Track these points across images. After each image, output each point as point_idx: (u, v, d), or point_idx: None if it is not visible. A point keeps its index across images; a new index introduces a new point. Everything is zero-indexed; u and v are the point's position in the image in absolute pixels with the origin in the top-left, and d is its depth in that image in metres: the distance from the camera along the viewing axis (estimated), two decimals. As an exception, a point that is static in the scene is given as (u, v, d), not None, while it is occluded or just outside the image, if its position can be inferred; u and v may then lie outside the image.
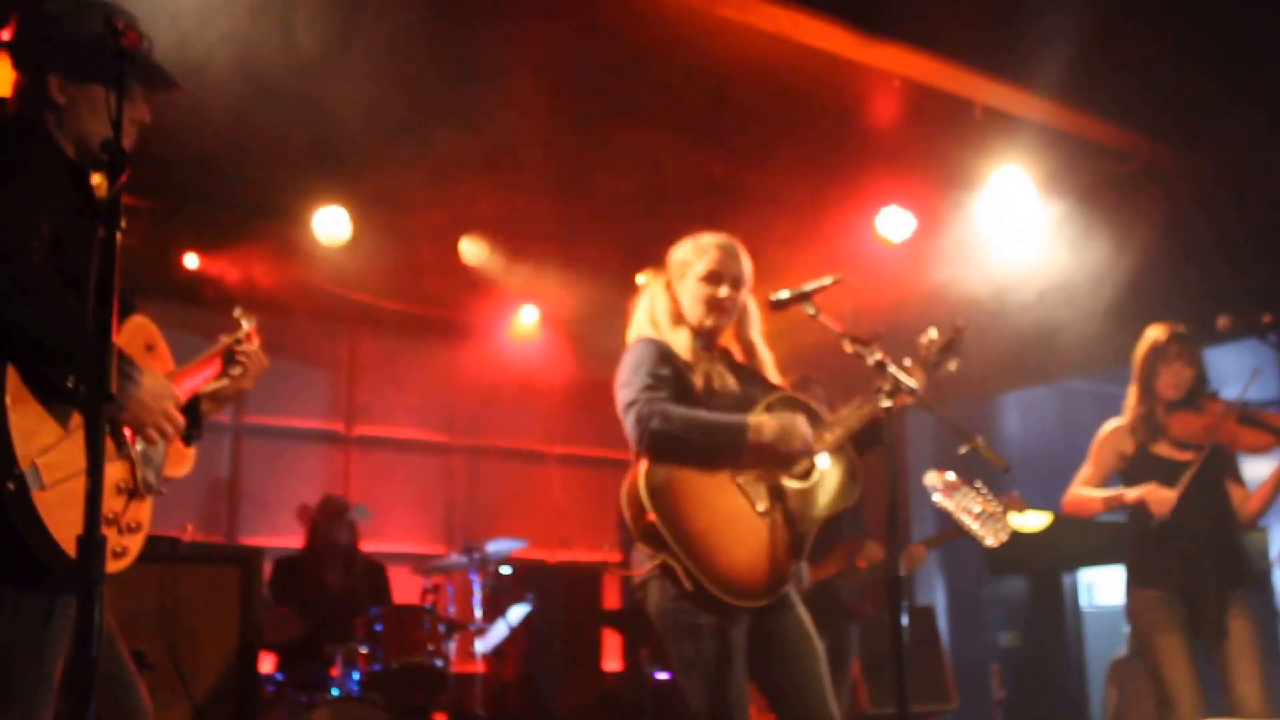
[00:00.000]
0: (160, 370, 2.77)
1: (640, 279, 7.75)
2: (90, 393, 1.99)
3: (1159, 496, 4.71)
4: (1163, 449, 4.84)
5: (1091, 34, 5.00)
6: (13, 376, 2.32)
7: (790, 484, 3.57)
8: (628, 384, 3.51)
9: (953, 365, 3.76)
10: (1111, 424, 5.00)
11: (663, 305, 3.72)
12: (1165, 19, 5.03)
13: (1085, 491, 4.93)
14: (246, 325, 3.21)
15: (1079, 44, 5.06)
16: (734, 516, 3.45)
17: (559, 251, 7.39)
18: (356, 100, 5.61)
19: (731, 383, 3.67)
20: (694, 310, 3.66)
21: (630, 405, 3.45)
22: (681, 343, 3.63)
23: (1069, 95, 5.61)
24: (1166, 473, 4.75)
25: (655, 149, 6.02)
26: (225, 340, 3.11)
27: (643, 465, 3.41)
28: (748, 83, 5.71)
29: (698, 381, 3.57)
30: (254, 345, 3.18)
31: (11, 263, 2.33)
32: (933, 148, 6.25)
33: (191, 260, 7.26)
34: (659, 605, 3.48)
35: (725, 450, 3.46)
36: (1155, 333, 4.92)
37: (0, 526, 2.28)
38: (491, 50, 5.33)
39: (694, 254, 3.71)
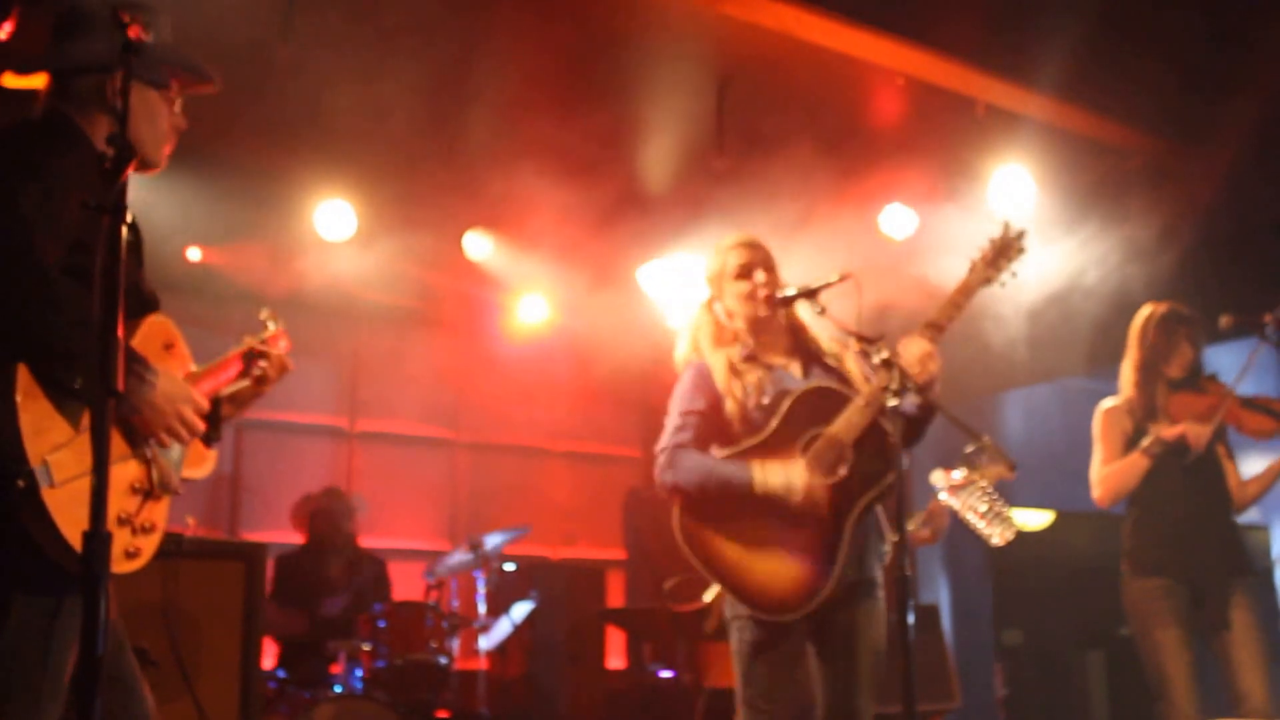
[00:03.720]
0: (179, 369, 2.75)
1: (640, 275, 7.76)
2: (95, 388, 1.99)
3: (1197, 430, 4.62)
4: (1163, 430, 4.77)
5: (1093, 32, 5.00)
6: (24, 374, 2.32)
7: (820, 480, 3.50)
8: (667, 420, 3.68)
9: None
10: (1107, 404, 4.92)
11: (705, 327, 3.78)
12: (1167, 16, 5.03)
13: (1117, 464, 4.79)
14: (273, 327, 3.20)
15: (1081, 42, 5.07)
16: (767, 534, 3.49)
17: (563, 247, 7.40)
18: (361, 95, 5.62)
19: (769, 393, 3.64)
20: (742, 309, 3.69)
21: (661, 450, 3.62)
22: (720, 364, 3.68)
23: (1071, 93, 5.61)
24: (1169, 453, 4.69)
25: (659, 145, 6.02)
26: (249, 341, 3.09)
27: (675, 512, 3.58)
28: (751, 80, 5.71)
29: (731, 407, 3.63)
30: (278, 348, 3.15)
31: (25, 266, 2.33)
32: (935, 145, 6.26)
33: (194, 254, 7.26)
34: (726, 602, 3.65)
35: (735, 498, 3.51)
36: (1158, 310, 4.85)
37: (10, 525, 2.29)
38: (494, 47, 5.33)
39: (719, 260, 3.76)
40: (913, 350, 3.48)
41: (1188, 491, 4.67)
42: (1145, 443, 4.71)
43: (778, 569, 3.48)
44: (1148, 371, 4.82)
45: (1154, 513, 4.73)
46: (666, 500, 3.62)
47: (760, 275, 3.68)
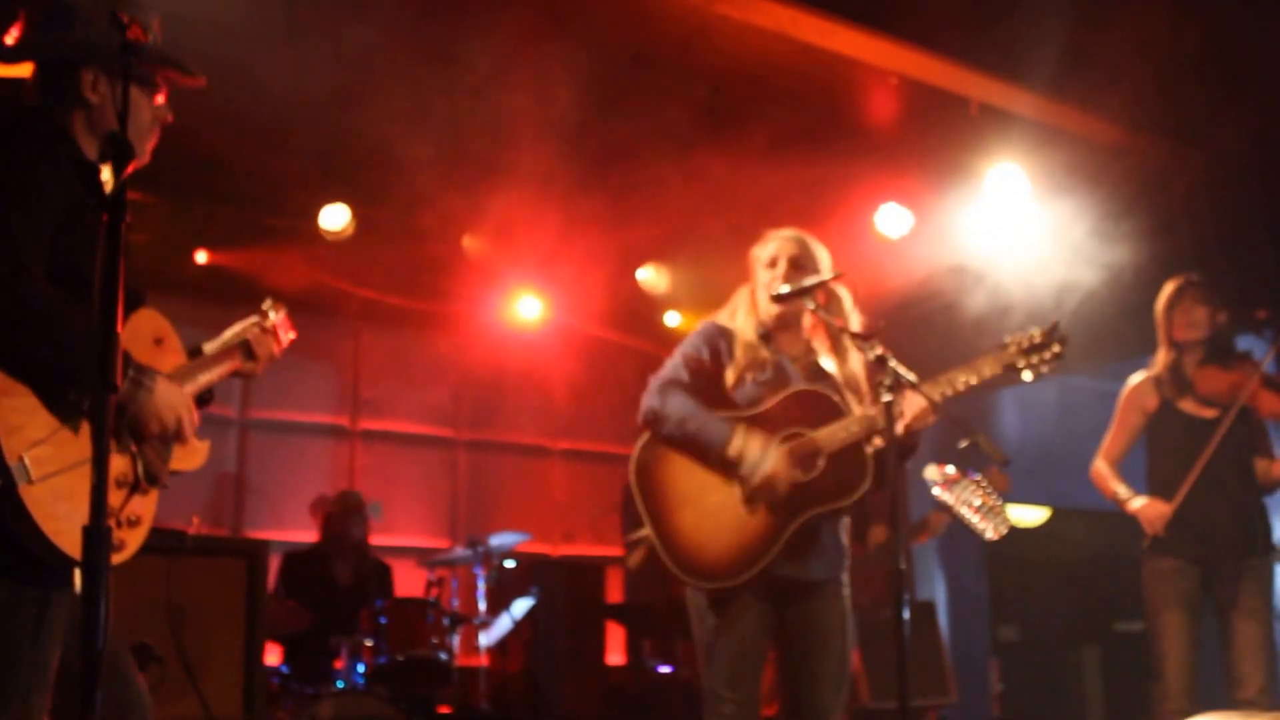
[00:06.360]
0: (171, 362, 2.77)
1: (640, 274, 7.80)
2: (95, 385, 1.99)
3: (1153, 513, 4.72)
4: (1187, 405, 4.82)
5: (1087, 30, 5.02)
6: (0, 372, 2.32)
7: (790, 474, 3.59)
8: (668, 360, 3.76)
9: (1046, 369, 3.63)
10: (1136, 377, 4.97)
11: (742, 303, 3.86)
12: (1160, 14, 5.05)
13: (1107, 473, 4.95)
14: (274, 316, 3.20)
15: (1074, 40, 5.08)
16: (714, 500, 3.57)
17: (561, 248, 7.44)
18: (361, 97, 5.66)
19: (768, 373, 3.73)
20: (761, 298, 3.77)
21: (654, 379, 3.70)
22: (742, 332, 3.77)
23: (1065, 92, 5.63)
24: (1189, 430, 4.75)
25: (654, 146, 6.05)
26: (249, 332, 3.08)
27: (639, 442, 3.65)
28: (746, 80, 5.74)
29: (730, 374, 3.71)
30: (272, 337, 3.14)
31: (7, 284, 2.32)
32: (930, 145, 6.27)
33: (201, 257, 7.33)
34: (687, 590, 3.66)
35: (703, 456, 3.59)
36: (1168, 285, 4.93)
37: None
38: (491, 48, 5.37)
39: (760, 250, 3.84)
40: (917, 403, 3.51)
41: (1206, 473, 4.68)
42: (1119, 494, 4.87)
43: (711, 538, 3.55)
44: (1171, 346, 4.89)
45: (1170, 494, 4.75)
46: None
47: (780, 268, 3.74)
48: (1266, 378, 4.77)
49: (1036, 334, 3.60)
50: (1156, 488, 4.84)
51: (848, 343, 3.77)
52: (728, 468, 3.57)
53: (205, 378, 2.88)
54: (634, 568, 5.40)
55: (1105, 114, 5.91)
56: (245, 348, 3.06)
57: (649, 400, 3.65)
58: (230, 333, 3.10)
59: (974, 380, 3.55)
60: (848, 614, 3.69)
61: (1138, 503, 4.79)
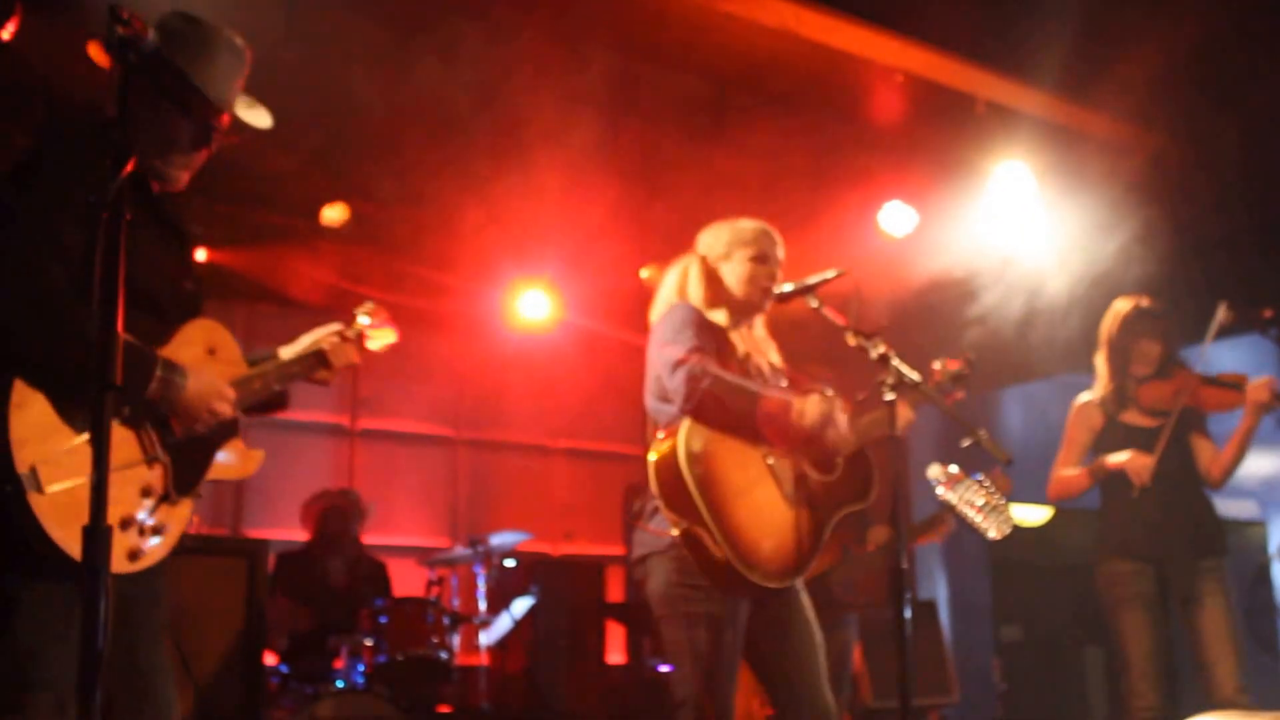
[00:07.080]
0: (228, 373, 2.78)
1: (644, 274, 7.77)
2: (93, 383, 1.98)
3: (1139, 464, 4.72)
4: (1131, 417, 4.87)
5: (1094, 28, 5.01)
6: (19, 386, 2.35)
7: (814, 474, 3.59)
8: (673, 341, 3.47)
9: (960, 394, 3.82)
10: (1081, 399, 5.01)
11: (698, 284, 3.71)
12: (1166, 12, 5.04)
13: (1067, 472, 4.95)
14: (362, 321, 3.21)
15: (1081, 38, 5.08)
16: (763, 494, 3.47)
17: (563, 245, 7.42)
18: (362, 95, 5.64)
19: (764, 362, 3.72)
20: (743, 290, 3.68)
21: (680, 363, 3.39)
22: (718, 318, 3.68)
23: (1071, 89, 5.62)
24: (1136, 440, 4.78)
25: (658, 143, 6.04)
26: (323, 334, 3.11)
27: (683, 427, 3.38)
28: (751, 78, 5.73)
29: (737, 351, 3.63)
30: (354, 344, 3.15)
31: (26, 289, 2.35)
32: (935, 143, 6.26)
33: (200, 256, 7.30)
34: (657, 588, 3.49)
35: (749, 414, 3.44)
36: (1122, 307, 4.94)
37: (9, 526, 2.33)
38: (496, 45, 5.35)
39: (742, 236, 3.73)
40: (903, 415, 3.56)
41: (1156, 476, 4.70)
42: (1091, 465, 4.86)
43: (768, 531, 3.44)
44: (1115, 368, 4.92)
45: (1122, 497, 4.78)
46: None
47: (773, 266, 3.71)
48: (1204, 378, 4.81)
49: (955, 365, 3.82)
50: (1109, 499, 4.87)
51: (774, 358, 3.78)
52: (785, 425, 3.45)
53: (256, 387, 2.89)
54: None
55: (1112, 111, 5.91)
56: (319, 357, 3.08)
57: (701, 379, 3.35)
58: (309, 339, 3.13)
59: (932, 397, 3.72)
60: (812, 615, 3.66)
61: (1119, 456, 4.78)
